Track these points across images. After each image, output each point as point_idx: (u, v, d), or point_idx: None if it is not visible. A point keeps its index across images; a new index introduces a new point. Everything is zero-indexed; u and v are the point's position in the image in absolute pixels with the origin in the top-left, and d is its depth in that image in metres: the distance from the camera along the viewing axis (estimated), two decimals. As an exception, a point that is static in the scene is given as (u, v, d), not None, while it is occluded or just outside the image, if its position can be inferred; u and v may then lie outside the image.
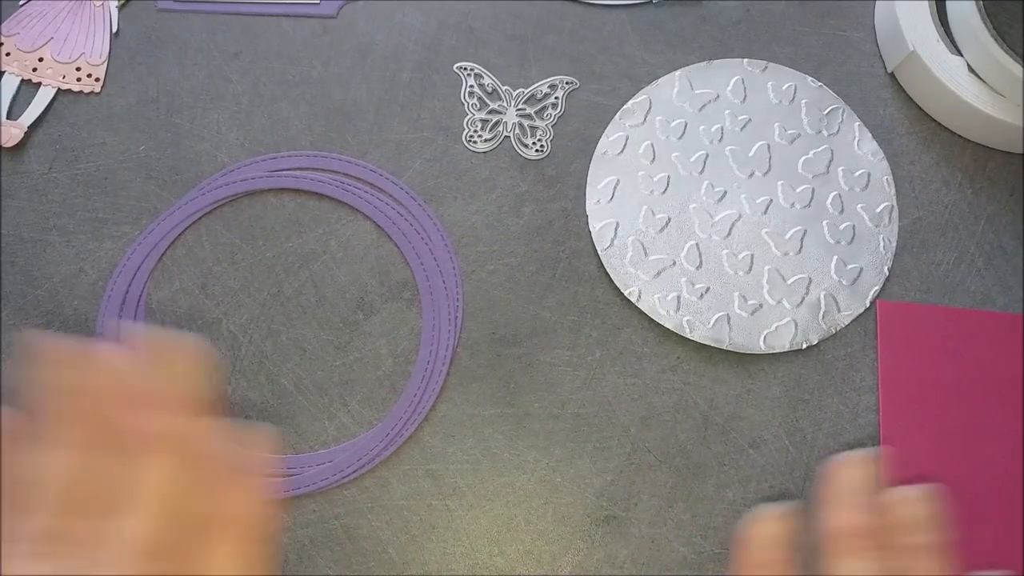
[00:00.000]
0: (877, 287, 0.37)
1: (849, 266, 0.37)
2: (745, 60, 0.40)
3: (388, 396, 0.36)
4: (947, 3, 0.39)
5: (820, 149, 0.39)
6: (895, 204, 0.38)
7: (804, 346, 0.36)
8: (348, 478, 0.34)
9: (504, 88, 0.40)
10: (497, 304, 0.37)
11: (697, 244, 0.37)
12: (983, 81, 0.37)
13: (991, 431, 0.35)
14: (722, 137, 0.39)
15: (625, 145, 0.39)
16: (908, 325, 0.36)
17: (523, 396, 0.36)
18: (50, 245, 0.38)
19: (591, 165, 0.38)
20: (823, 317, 0.36)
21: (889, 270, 0.37)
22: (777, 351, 0.36)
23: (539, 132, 0.39)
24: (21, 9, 0.42)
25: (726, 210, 0.38)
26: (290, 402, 0.36)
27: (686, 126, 0.39)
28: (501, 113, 0.40)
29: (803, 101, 0.39)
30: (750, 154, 0.38)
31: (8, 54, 0.41)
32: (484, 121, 0.40)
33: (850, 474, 0.29)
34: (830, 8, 0.42)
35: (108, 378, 0.23)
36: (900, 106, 0.40)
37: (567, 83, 0.40)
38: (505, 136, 0.39)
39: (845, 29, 0.41)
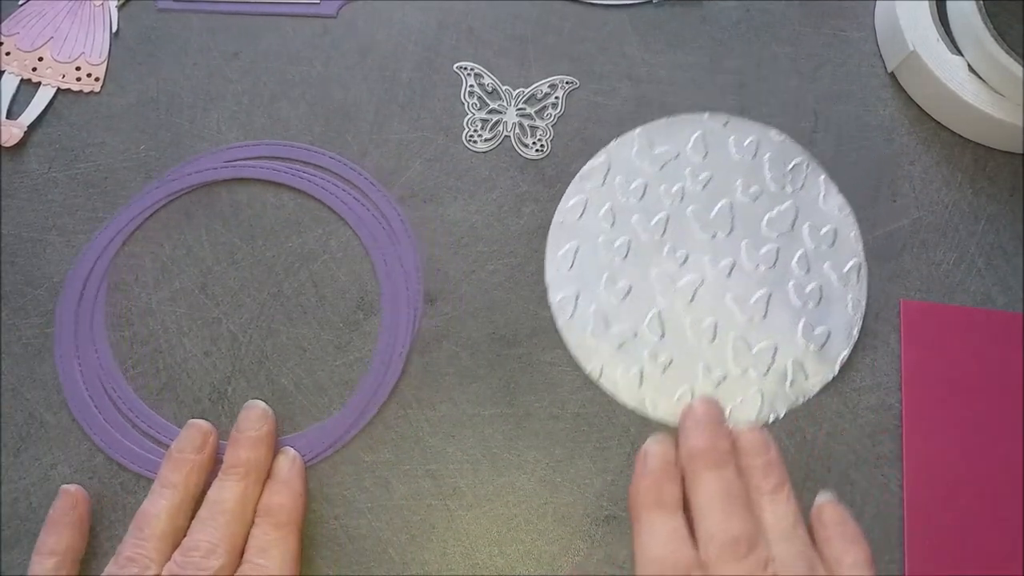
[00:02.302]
0: (846, 351, 0.35)
1: (816, 330, 0.36)
2: (706, 114, 0.39)
3: (388, 396, 0.36)
4: (947, 3, 0.39)
5: (784, 206, 0.37)
6: (864, 261, 0.37)
7: (771, 419, 0.35)
8: (309, 464, 0.35)
9: (504, 88, 0.40)
10: (497, 304, 0.37)
11: (659, 312, 0.36)
12: (983, 81, 0.37)
13: (1015, 431, 0.35)
14: (683, 197, 0.37)
15: (584, 209, 0.37)
16: (932, 325, 0.36)
17: (523, 396, 0.36)
18: (50, 245, 0.38)
19: (549, 233, 0.37)
20: (790, 386, 0.35)
21: (859, 332, 0.36)
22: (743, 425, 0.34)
23: (539, 132, 0.39)
24: (21, 9, 0.42)
25: (689, 274, 0.36)
26: (290, 402, 0.36)
27: (646, 187, 0.38)
28: (501, 113, 0.40)
29: (766, 156, 0.38)
30: (712, 214, 0.37)
31: (8, 53, 0.41)
32: (484, 121, 0.40)
33: (703, 409, 0.33)
34: (830, 8, 0.42)
35: (210, 437, 0.34)
36: (900, 106, 0.40)
37: (567, 83, 0.40)
38: (505, 136, 0.39)
39: (845, 29, 0.41)
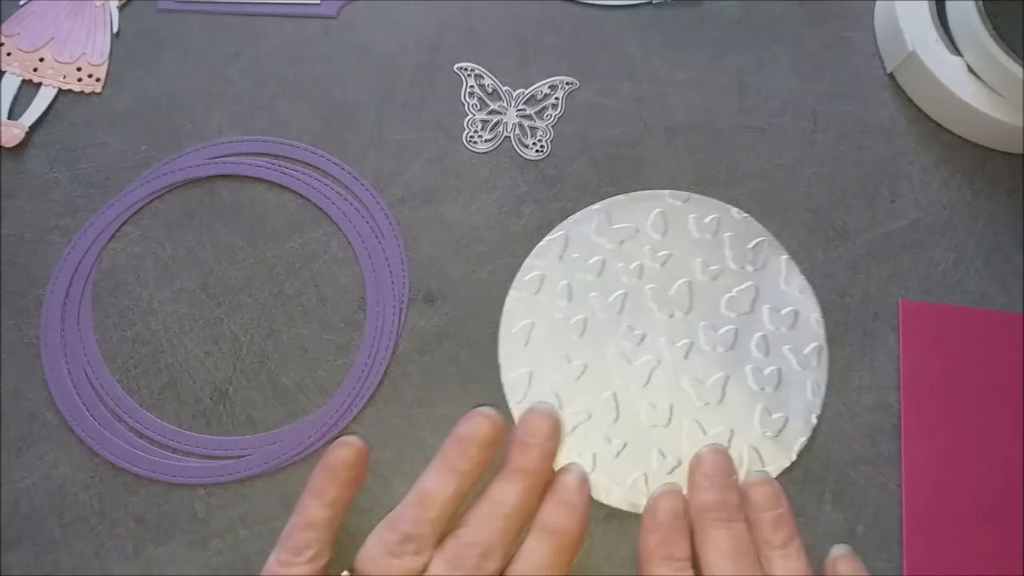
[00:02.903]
0: (804, 438, 0.34)
1: (774, 415, 0.35)
2: (667, 192, 0.38)
3: (388, 395, 0.36)
4: (947, 3, 0.39)
5: (744, 286, 0.36)
6: (824, 344, 0.36)
7: None
8: (297, 457, 0.35)
9: (504, 88, 0.40)
10: (497, 304, 0.37)
11: (614, 394, 0.35)
12: (983, 81, 0.37)
13: (1014, 432, 0.35)
14: (642, 274, 0.36)
15: (541, 285, 0.37)
16: (931, 325, 0.36)
17: (523, 396, 0.36)
18: (51, 245, 0.38)
19: (504, 309, 0.36)
20: (746, 473, 0.34)
21: (818, 419, 0.35)
22: None
23: (539, 132, 0.40)
24: (22, 9, 0.42)
25: (645, 355, 0.35)
26: (291, 402, 0.36)
27: (604, 263, 0.37)
28: (501, 113, 0.40)
29: (727, 235, 0.37)
30: (670, 293, 0.36)
31: (9, 54, 0.41)
32: (484, 121, 0.40)
33: (712, 460, 0.33)
34: (830, 8, 0.42)
35: (494, 430, 0.31)
36: (899, 107, 0.40)
37: (567, 83, 0.40)
38: (505, 136, 0.40)
39: (845, 29, 0.41)
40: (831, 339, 0.36)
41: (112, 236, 0.38)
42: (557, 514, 0.31)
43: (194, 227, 0.38)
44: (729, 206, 0.38)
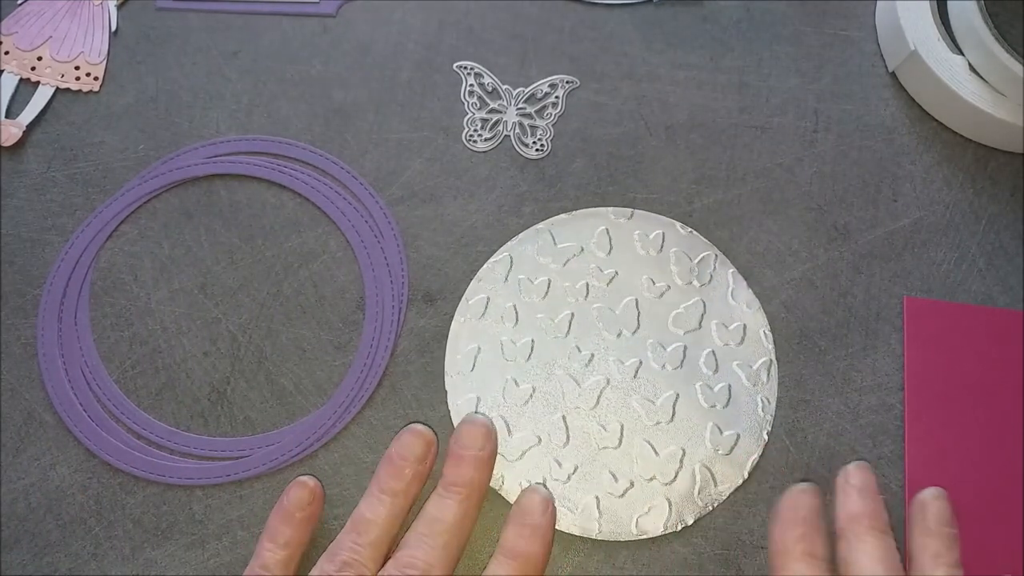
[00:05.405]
0: (756, 455, 0.34)
1: (725, 433, 0.34)
2: (611, 209, 0.38)
3: (387, 395, 0.36)
4: (948, 2, 0.39)
5: (691, 302, 0.36)
6: (774, 359, 0.35)
7: (679, 527, 0.33)
8: (295, 459, 0.35)
9: (504, 87, 0.40)
10: (497, 304, 0.37)
11: (564, 417, 0.35)
12: (984, 81, 0.37)
13: (1016, 432, 0.35)
14: (588, 294, 0.36)
15: (486, 308, 0.36)
16: (935, 322, 0.36)
17: (523, 396, 0.36)
18: (49, 244, 0.38)
19: (450, 333, 0.36)
20: (699, 493, 0.34)
21: (768, 435, 0.34)
22: (651, 535, 0.33)
23: (539, 131, 0.39)
24: (20, 8, 0.42)
25: (594, 376, 0.35)
26: (289, 402, 0.36)
27: (550, 283, 0.37)
28: (501, 112, 0.40)
29: (672, 250, 0.37)
30: (617, 311, 0.36)
31: (7, 53, 0.41)
32: (484, 120, 0.40)
33: (861, 475, 0.31)
34: (831, 7, 0.42)
35: (428, 447, 0.32)
36: (901, 106, 0.40)
37: (567, 82, 0.40)
38: (505, 135, 0.39)
39: (846, 28, 0.41)
40: (832, 340, 0.36)
41: (110, 235, 0.38)
42: (520, 537, 0.30)
43: (192, 226, 0.38)
44: (674, 221, 0.37)
